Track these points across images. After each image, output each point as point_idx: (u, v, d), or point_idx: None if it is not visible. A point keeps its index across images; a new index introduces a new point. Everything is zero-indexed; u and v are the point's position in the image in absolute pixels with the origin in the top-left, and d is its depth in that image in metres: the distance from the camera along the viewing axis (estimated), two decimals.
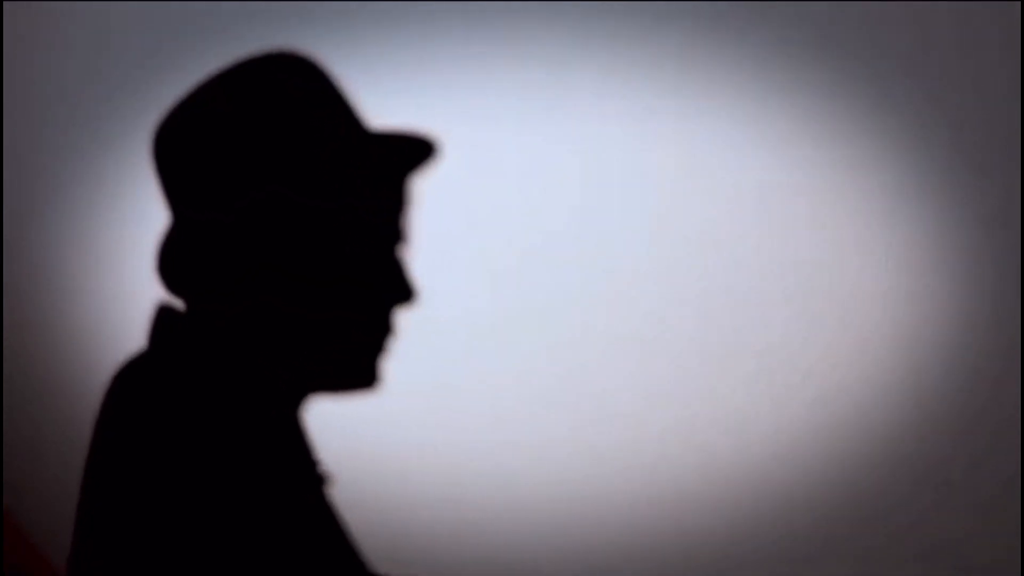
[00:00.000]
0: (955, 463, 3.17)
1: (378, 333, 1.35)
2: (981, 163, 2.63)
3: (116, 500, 1.20)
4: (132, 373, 1.26)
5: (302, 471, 1.26)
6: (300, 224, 1.33)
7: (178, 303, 2.09)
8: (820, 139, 2.65)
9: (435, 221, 2.88)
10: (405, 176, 1.38)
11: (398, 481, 3.43)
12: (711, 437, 3.22)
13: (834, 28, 2.46)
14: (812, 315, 2.94)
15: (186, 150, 1.34)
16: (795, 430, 3.18)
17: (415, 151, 1.35)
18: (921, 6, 2.40)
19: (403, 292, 1.36)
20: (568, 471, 3.35)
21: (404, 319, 3.08)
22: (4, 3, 2.58)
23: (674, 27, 2.50)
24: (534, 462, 3.35)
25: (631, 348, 3.06)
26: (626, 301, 2.98)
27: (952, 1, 2.37)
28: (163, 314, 1.35)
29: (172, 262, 1.35)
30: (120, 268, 3.05)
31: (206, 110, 1.35)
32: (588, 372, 3.13)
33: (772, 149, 2.67)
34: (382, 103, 2.69)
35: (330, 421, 3.32)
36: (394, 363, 3.17)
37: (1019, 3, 2.35)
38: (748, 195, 2.75)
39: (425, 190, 2.83)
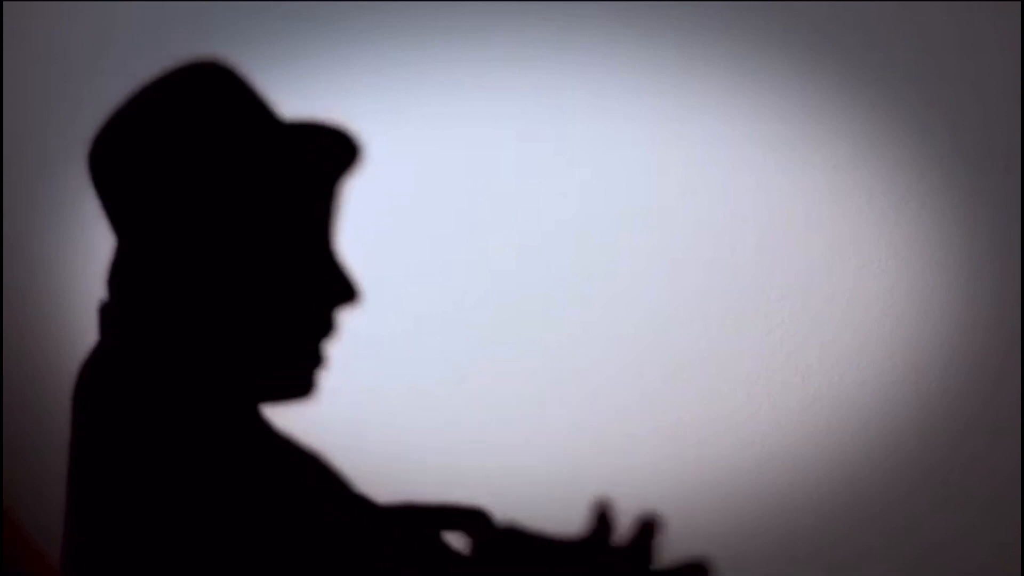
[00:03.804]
0: (955, 463, 3.17)
1: (318, 337, 1.36)
2: (981, 163, 2.63)
3: (98, 494, 1.22)
4: (97, 373, 1.30)
5: (272, 453, 1.29)
6: (235, 235, 1.34)
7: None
8: (820, 139, 2.64)
9: (435, 221, 2.88)
10: (336, 179, 1.39)
11: (398, 481, 3.43)
12: (711, 437, 3.22)
13: (833, 28, 2.45)
14: (812, 315, 2.94)
15: (124, 170, 1.36)
16: (794, 430, 3.17)
17: (343, 153, 1.37)
18: (921, 6, 2.39)
19: (345, 291, 1.37)
20: (567, 471, 3.35)
21: (403, 319, 3.07)
22: (4, 3, 2.58)
23: (673, 26, 2.50)
24: (533, 461, 3.34)
25: (631, 348, 3.06)
26: (626, 301, 2.97)
27: (952, 1, 2.37)
28: (111, 311, 1.37)
29: (122, 279, 1.37)
30: None
31: (138, 129, 1.36)
32: (587, 372, 3.13)
33: (771, 149, 2.67)
34: (382, 103, 2.69)
35: (329, 421, 3.32)
36: (394, 363, 3.17)
37: (1019, 3, 2.35)
38: (747, 195, 2.75)
39: (425, 190, 2.83)
